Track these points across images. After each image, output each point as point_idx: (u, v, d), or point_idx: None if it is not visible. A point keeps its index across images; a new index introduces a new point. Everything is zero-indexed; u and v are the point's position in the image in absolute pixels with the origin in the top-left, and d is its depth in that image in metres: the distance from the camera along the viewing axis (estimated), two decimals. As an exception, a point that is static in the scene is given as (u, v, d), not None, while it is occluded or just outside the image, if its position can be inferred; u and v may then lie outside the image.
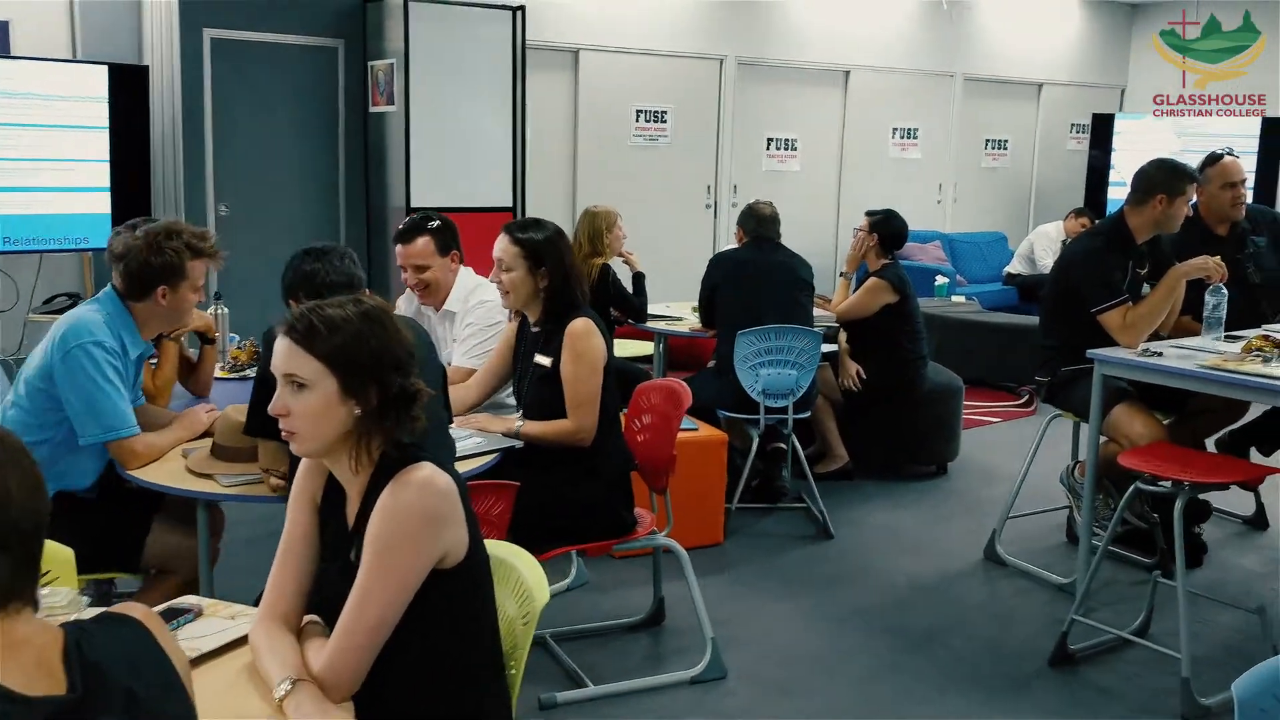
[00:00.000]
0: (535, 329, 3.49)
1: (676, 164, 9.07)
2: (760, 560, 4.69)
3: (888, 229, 5.64)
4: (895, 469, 5.80)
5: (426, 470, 1.88)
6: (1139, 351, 4.05)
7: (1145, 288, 4.38)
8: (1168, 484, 3.58)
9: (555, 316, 3.43)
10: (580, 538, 3.44)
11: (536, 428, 3.38)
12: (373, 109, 7.87)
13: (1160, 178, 4.27)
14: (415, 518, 1.84)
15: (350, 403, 1.90)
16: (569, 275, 3.43)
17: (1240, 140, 9.33)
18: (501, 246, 3.47)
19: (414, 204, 7.34)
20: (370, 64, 7.83)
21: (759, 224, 5.37)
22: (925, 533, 5.03)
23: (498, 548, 2.19)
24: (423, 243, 3.99)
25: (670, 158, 9.03)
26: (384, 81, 7.74)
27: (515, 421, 3.43)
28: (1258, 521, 5.11)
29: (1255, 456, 4.81)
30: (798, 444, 5.11)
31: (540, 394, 3.41)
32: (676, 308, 6.21)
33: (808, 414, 5.21)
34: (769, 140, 9.56)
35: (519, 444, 3.33)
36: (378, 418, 1.91)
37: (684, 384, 3.70)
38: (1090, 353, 4.08)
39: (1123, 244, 4.32)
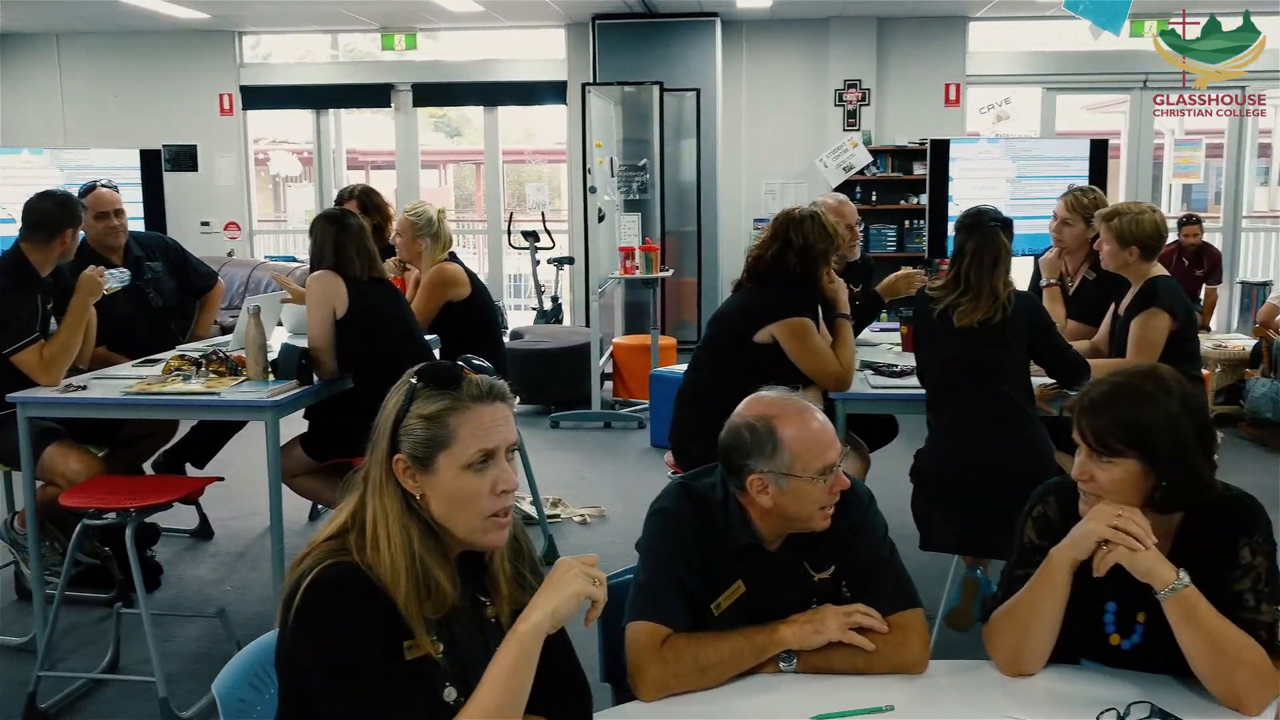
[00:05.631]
0: None
1: None
2: None
3: None
4: None
5: None
6: (62, 388, 3.97)
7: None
8: (114, 515, 3.58)
9: None
10: None
11: None
12: None
13: (61, 213, 4.20)
14: None
15: None
16: None
17: (117, 172, 9.58)
18: None
19: None
20: None
21: None
22: None
23: None
24: None
25: None
26: None
27: None
28: (203, 533, 5.37)
29: (191, 471, 5.04)
30: None
31: None
32: None
33: None
34: None
35: None
36: None
37: None
38: (11, 397, 3.88)
39: (28, 281, 4.17)
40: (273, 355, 4.06)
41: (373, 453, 1.75)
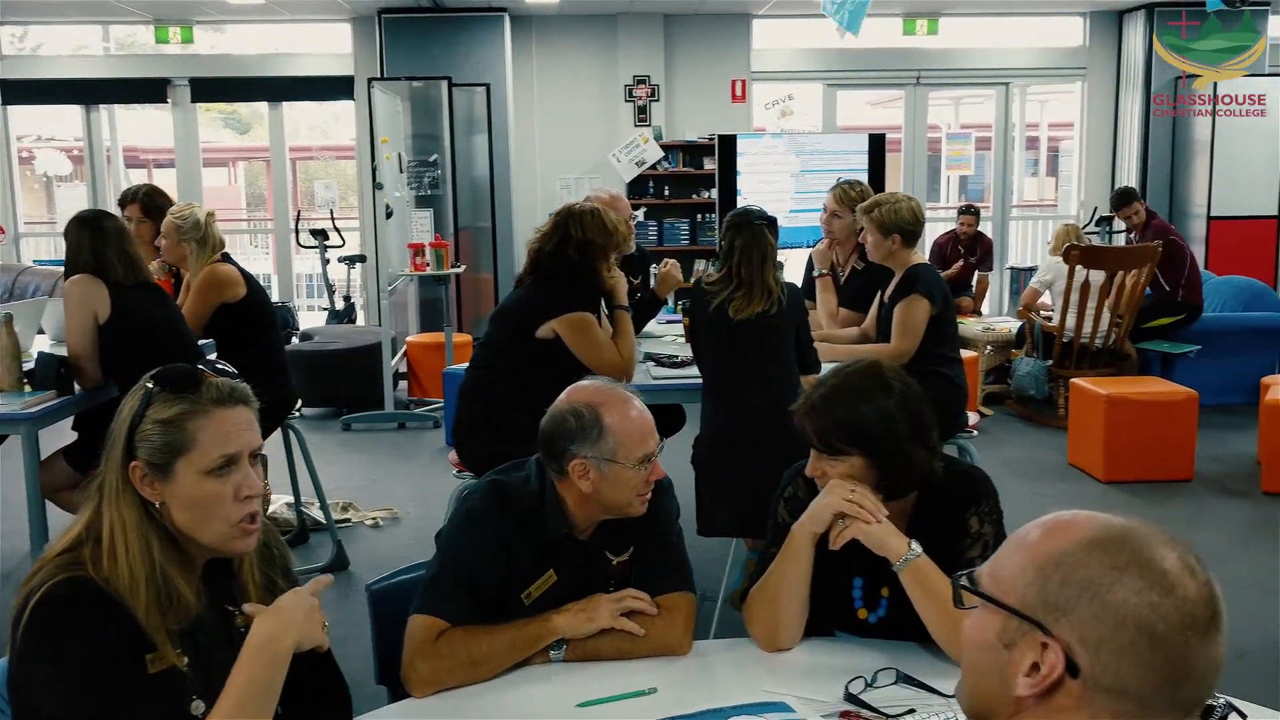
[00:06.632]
0: None
1: None
2: None
3: None
4: None
5: None
6: None
7: None
8: None
9: None
10: None
11: None
12: None
13: None
14: None
15: None
16: None
17: None
18: None
19: None
20: None
21: None
22: None
23: None
24: None
25: None
26: None
27: None
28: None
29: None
30: None
31: None
32: None
33: None
34: None
35: None
36: None
37: None
38: None
39: None
40: (30, 364, 3.85)
41: (107, 460, 1.69)
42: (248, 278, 4.65)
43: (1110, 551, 1.11)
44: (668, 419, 4.86)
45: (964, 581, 1.22)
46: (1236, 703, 1.80)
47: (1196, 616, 1.09)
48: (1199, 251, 9.56)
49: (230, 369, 1.75)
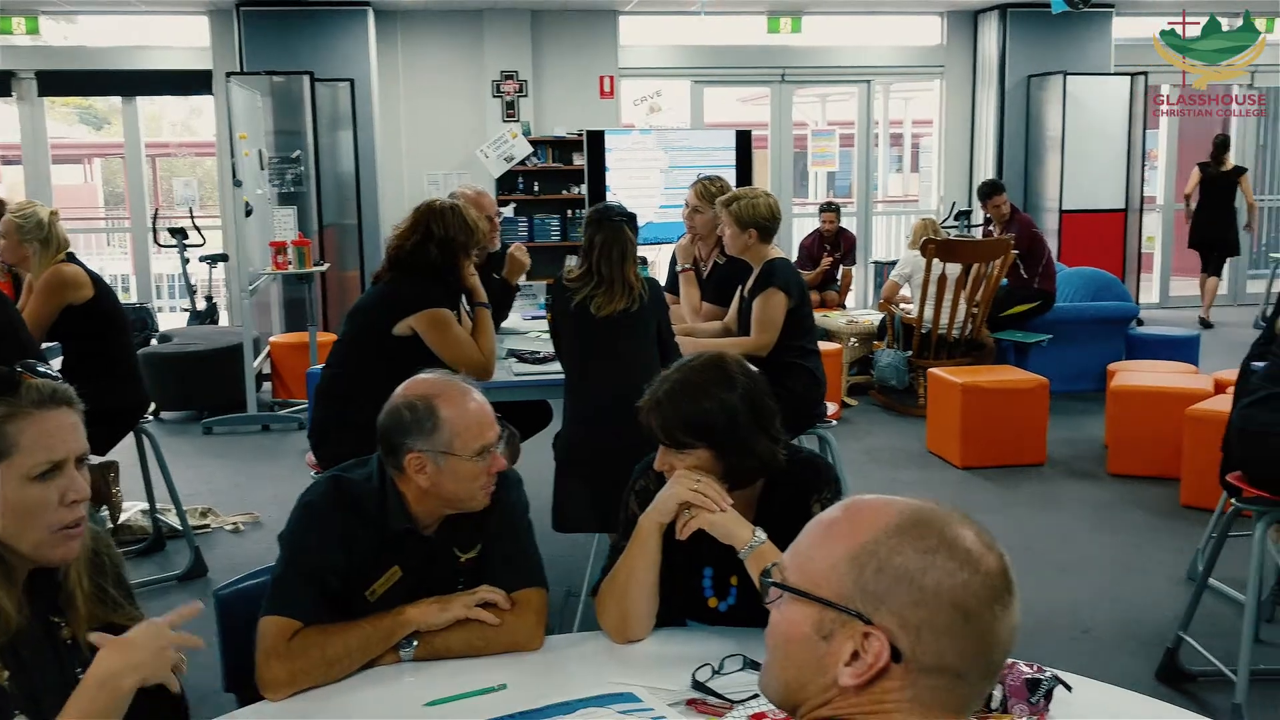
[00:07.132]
0: None
1: None
2: None
3: None
4: None
5: None
6: None
7: None
8: None
9: None
10: None
11: None
12: None
13: None
14: None
15: None
16: None
17: None
18: None
19: None
20: None
21: None
22: None
23: None
24: None
25: None
26: None
27: None
28: None
29: None
30: None
31: None
32: None
33: None
34: None
35: None
36: None
37: None
38: None
39: None
40: None
41: (-82, 470, 1.61)
42: (95, 278, 4.49)
43: (919, 535, 1.14)
44: (535, 416, 4.85)
45: (775, 578, 1.22)
46: (1063, 675, 1.90)
47: (998, 588, 1.13)
48: (1051, 243, 9.93)
49: (52, 372, 1.69)
